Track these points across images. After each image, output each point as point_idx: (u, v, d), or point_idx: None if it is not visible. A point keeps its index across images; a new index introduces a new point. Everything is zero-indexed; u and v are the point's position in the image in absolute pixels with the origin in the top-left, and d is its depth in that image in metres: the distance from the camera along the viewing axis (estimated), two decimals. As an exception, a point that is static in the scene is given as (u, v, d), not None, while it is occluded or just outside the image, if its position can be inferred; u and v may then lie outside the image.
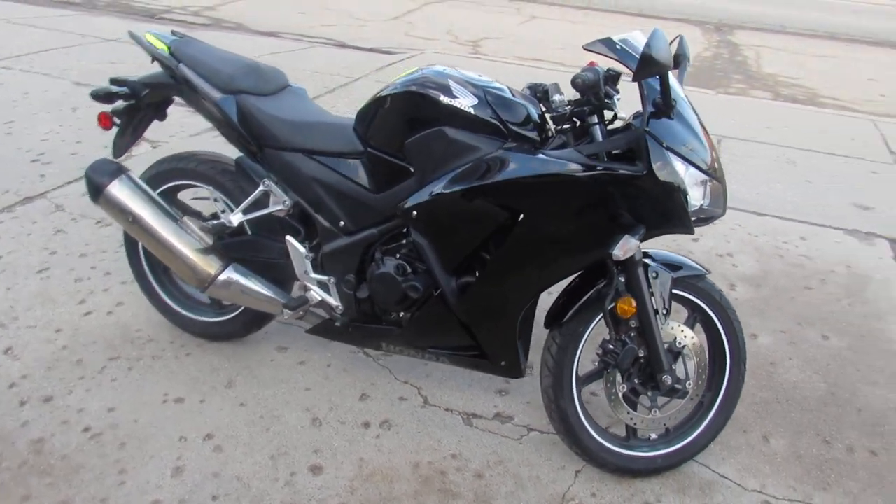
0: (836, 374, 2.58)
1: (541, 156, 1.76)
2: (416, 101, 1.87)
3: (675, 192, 1.70)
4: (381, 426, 2.19)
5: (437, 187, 1.85)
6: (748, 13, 10.93)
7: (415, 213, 1.90)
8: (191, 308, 2.50)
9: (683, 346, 1.99)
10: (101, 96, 2.20)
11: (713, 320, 2.02)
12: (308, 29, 7.89)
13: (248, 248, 2.21)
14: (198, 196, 2.41)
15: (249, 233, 2.24)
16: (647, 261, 1.90)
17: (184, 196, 2.42)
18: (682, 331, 1.99)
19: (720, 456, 2.15)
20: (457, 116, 1.83)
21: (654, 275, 1.89)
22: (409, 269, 2.01)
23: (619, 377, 1.97)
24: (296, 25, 7.96)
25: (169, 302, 2.50)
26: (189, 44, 2.20)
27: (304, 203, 2.09)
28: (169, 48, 2.18)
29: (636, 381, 1.99)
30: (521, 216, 1.78)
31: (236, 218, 2.14)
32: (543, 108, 1.91)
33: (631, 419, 2.01)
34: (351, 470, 2.02)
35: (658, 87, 1.69)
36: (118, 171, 2.17)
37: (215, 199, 2.18)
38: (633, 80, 1.62)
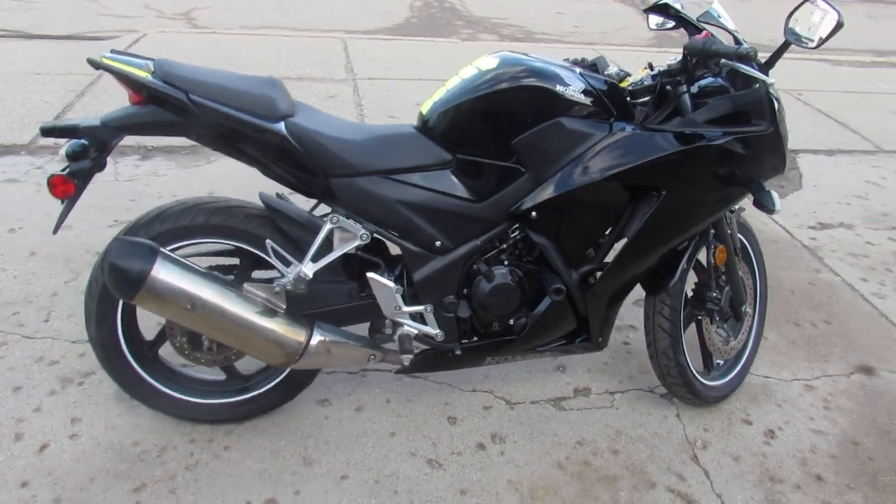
0: (754, 268, 3.10)
1: (668, 130, 1.79)
2: (530, 96, 1.73)
3: (785, 141, 1.88)
4: (495, 442, 2.07)
5: (567, 181, 1.76)
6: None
7: (534, 213, 1.79)
8: (205, 392, 2.00)
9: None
10: (58, 130, 1.61)
11: (745, 244, 2.28)
12: (-43, 21, 6.25)
13: (316, 300, 1.84)
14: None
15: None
16: None
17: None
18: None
19: (750, 361, 2.48)
20: (573, 105, 1.75)
21: (727, 219, 2.07)
22: (520, 274, 1.89)
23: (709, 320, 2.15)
24: (-62, 19, 6.24)
25: (174, 394, 1.96)
26: (170, 64, 1.68)
27: (386, 231, 1.81)
28: (152, 73, 1.65)
29: (717, 318, 2.18)
30: (662, 193, 1.79)
31: (309, 269, 1.75)
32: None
33: (723, 354, 2.22)
34: (513, 496, 1.89)
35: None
36: (153, 249, 1.61)
37: (276, 255, 1.75)
38: (819, 46, 1.72)
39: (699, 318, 2.16)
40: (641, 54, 6.54)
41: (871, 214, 3.72)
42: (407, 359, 1.86)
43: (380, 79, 5.16)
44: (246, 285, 1.73)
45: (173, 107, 1.65)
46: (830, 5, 1.68)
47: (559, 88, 1.73)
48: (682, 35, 1.91)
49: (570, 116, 1.76)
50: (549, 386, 2.30)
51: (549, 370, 2.37)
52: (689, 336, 2.19)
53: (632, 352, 2.49)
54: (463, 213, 1.82)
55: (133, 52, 1.75)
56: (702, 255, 2.09)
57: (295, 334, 1.75)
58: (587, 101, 1.76)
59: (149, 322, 2.01)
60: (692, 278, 2.12)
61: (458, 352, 1.91)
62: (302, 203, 1.93)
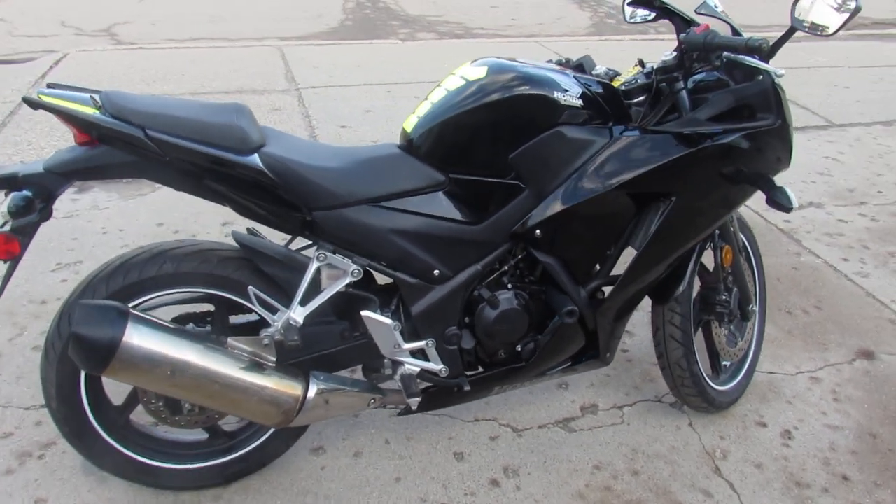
0: (736, 257, 3.04)
1: (673, 132, 1.67)
2: (526, 105, 1.59)
3: (791, 131, 1.79)
4: (508, 476, 1.92)
5: (575, 194, 1.63)
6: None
7: (538, 231, 1.65)
8: (187, 457, 1.79)
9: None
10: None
11: (745, 242, 2.20)
12: None
13: (306, 346, 1.65)
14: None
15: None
16: None
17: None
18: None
19: (752, 357, 2.40)
20: (572, 111, 1.62)
21: (731, 219, 1.98)
22: (526, 296, 1.75)
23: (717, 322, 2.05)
24: None
25: (153, 463, 1.75)
26: (121, 96, 1.47)
27: (378, 264, 1.64)
28: (100, 108, 1.44)
29: (726, 320, 2.09)
30: (671, 199, 1.68)
31: (299, 314, 1.56)
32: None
33: (731, 356, 2.13)
34: (537, 536, 1.76)
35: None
36: (121, 311, 1.39)
37: (259, 302, 1.56)
38: (832, 33, 1.61)
39: (707, 321, 2.06)
40: (581, 44, 6.49)
41: (837, 191, 3.72)
42: (415, 402, 1.69)
43: (323, 87, 4.94)
44: (230, 340, 1.53)
45: (128, 145, 1.44)
46: (847, -11, 1.59)
47: (556, 95, 1.59)
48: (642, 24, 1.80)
49: (570, 124, 1.62)
50: (554, 406, 2.17)
51: (551, 389, 2.24)
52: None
53: (632, 360, 2.39)
54: (461, 237, 1.66)
55: (74, 85, 1.53)
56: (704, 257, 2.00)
57: (290, 389, 1.56)
58: (585, 105, 1.63)
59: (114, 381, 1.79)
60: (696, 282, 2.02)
61: (467, 387, 1.76)
62: (271, 234, 1.73)
